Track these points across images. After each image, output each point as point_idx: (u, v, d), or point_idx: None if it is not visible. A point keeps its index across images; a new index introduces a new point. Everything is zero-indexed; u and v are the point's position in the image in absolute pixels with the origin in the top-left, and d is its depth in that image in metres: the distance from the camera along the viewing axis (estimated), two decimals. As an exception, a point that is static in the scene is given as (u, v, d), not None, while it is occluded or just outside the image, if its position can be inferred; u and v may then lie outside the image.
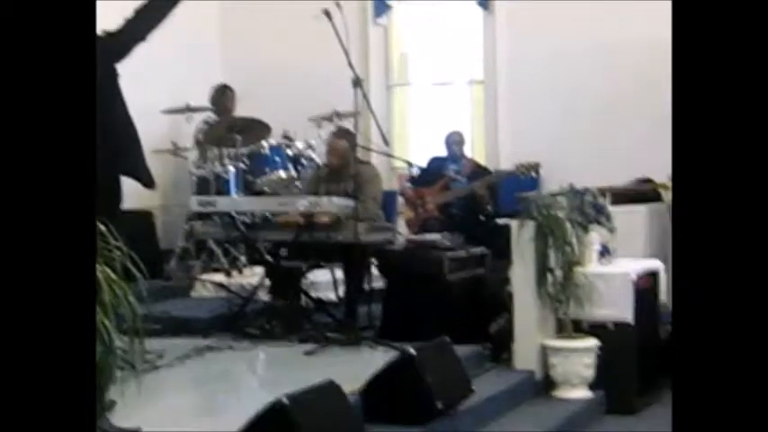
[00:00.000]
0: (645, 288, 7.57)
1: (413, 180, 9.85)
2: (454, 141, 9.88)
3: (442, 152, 10.01)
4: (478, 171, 9.71)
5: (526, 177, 9.25)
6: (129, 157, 5.63)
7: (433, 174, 9.73)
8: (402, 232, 9.29)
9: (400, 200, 9.78)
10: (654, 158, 8.40)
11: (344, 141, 8.46)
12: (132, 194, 6.44)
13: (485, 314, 7.57)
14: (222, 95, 10.63)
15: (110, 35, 5.47)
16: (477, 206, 9.45)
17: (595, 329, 7.32)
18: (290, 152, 9.66)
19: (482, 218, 9.37)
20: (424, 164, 9.98)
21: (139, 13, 5.45)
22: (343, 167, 8.39)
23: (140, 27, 5.45)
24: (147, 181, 5.67)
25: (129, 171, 5.60)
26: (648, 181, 9.49)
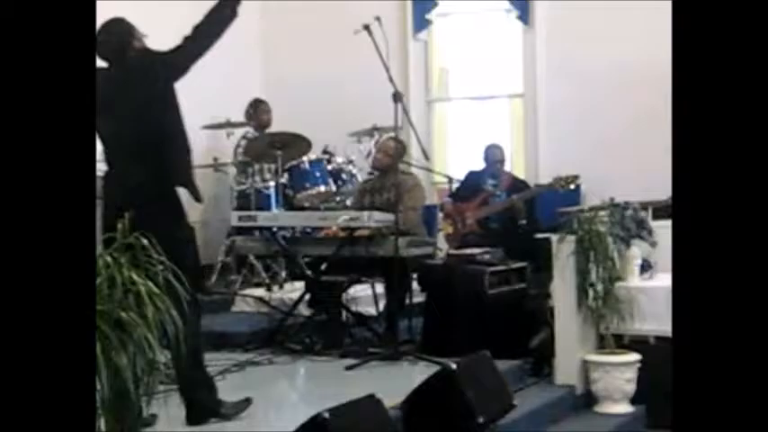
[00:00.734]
0: (686, 302, 7.52)
1: (451, 195, 9.83)
2: (493, 155, 9.82)
3: (481, 166, 9.97)
4: (517, 185, 9.68)
5: (565, 190, 9.21)
6: (184, 170, 5.68)
7: (470, 188, 9.70)
8: (442, 247, 9.29)
9: (440, 215, 9.77)
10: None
11: (394, 142, 8.49)
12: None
13: (525, 329, 7.54)
14: (256, 110, 10.66)
15: (171, 51, 5.54)
16: (514, 219, 9.42)
17: (637, 344, 7.29)
18: (330, 167, 9.67)
19: (523, 228, 9.33)
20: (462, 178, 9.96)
21: (198, 30, 5.51)
22: (389, 172, 8.40)
23: (198, 44, 5.52)
24: (197, 195, 5.72)
25: (183, 183, 5.65)
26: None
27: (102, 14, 4.17)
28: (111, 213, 5.29)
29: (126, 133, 5.52)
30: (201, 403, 5.56)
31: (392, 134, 9.02)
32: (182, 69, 5.54)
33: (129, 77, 5.53)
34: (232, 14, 5.56)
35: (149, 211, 5.09)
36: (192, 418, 5.51)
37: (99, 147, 5.27)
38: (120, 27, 5.61)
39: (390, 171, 8.39)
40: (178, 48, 5.57)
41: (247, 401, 5.74)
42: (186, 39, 5.55)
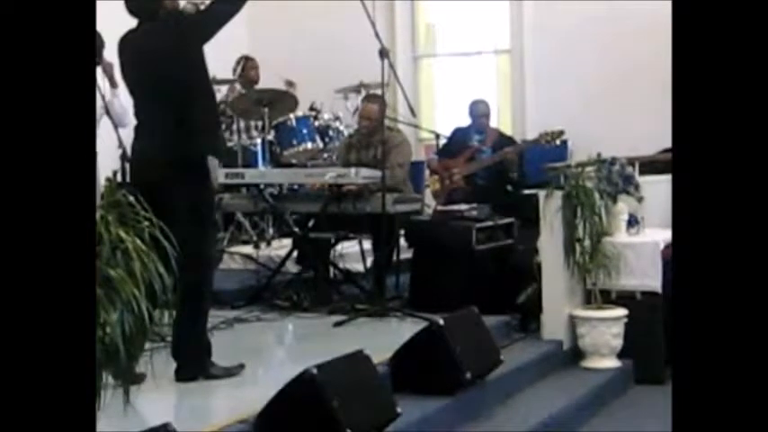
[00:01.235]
0: (673, 257, 7.54)
1: (438, 152, 9.81)
2: (479, 111, 9.77)
3: (467, 122, 9.95)
4: (503, 141, 9.64)
5: (551, 145, 9.20)
6: (209, 130, 5.74)
7: (457, 144, 9.67)
8: (429, 204, 9.29)
9: (427, 171, 9.76)
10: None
11: (375, 105, 8.49)
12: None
13: (513, 284, 7.56)
14: (244, 66, 10.62)
15: (200, 12, 5.58)
16: (505, 173, 9.39)
17: (624, 299, 7.31)
18: (317, 124, 9.65)
19: (509, 187, 9.33)
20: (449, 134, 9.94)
21: None
22: (374, 132, 8.40)
23: (226, 7, 5.56)
24: (220, 157, 5.84)
25: (210, 147, 5.71)
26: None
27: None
28: (139, 177, 5.43)
29: (154, 89, 5.58)
30: (192, 360, 5.58)
31: (371, 92, 9.03)
32: (209, 32, 5.55)
33: (159, 35, 5.54)
34: None
35: (176, 174, 5.24)
36: (181, 375, 5.53)
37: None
38: None
39: (376, 129, 8.39)
40: (207, 9, 5.59)
41: (241, 367, 5.75)
42: (214, 2, 5.57)
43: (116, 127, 6.63)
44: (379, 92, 7.82)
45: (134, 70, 5.66)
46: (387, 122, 8.30)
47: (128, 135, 6.51)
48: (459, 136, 9.76)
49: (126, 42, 5.66)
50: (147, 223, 3.63)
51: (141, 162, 5.62)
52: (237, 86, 10.53)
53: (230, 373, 5.67)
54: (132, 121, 6.14)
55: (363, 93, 10.12)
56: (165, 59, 5.49)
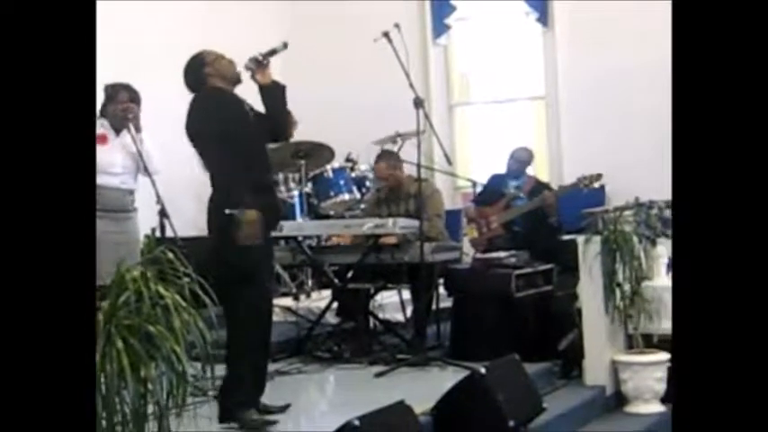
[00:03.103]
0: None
1: (474, 199, 9.80)
2: (521, 157, 9.76)
3: (503, 169, 9.93)
4: (539, 188, 9.62)
5: (589, 189, 9.18)
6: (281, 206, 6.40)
7: (493, 191, 9.66)
8: (468, 253, 9.28)
9: (464, 219, 9.76)
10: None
11: (383, 163, 8.56)
12: (198, 222, 6.50)
13: (554, 331, 7.54)
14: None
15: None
16: (544, 219, 9.36)
17: (666, 343, 7.25)
18: (353, 175, 9.68)
19: (548, 230, 9.28)
20: (486, 182, 9.92)
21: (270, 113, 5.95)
22: (398, 187, 8.43)
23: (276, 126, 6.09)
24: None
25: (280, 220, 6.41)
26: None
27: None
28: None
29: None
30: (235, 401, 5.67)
31: (383, 149, 9.10)
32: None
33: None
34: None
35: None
36: (223, 416, 5.63)
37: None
38: (195, 60, 6.00)
39: (401, 183, 8.42)
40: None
41: (287, 406, 5.96)
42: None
43: (151, 176, 6.67)
44: (415, 141, 7.82)
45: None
46: (417, 173, 8.24)
47: (164, 191, 6.58)
48: (495, 183, 9.75)
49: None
50: (187, 279, 3.65)
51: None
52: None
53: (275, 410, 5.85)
54: (161, 168, 6.32)
55: (400, 142, 10.13)
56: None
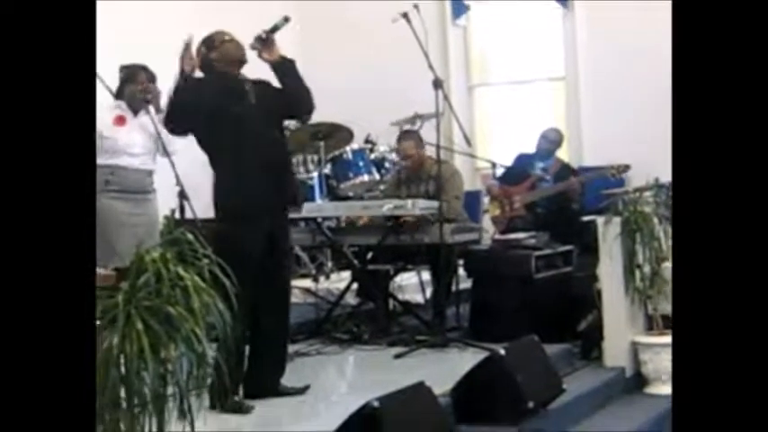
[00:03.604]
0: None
1: (499, 177, 9.76)
2: (551, 137, 9.73)
3: (525, 150, 9.90)
4: (565, 171, 9.59)
5: (617, 179, 9.18)
6: (290, 188, 6.17)
7: (519, 171, 9.63)
8: (488, 230, 9.27)
9: (485, 198, 9.73)
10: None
11: (410, 141, 8.51)
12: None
13: (573, 312, 7.53)
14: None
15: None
16: (567, 203, 9.35)
17: (686, 324, 7.24)
18: (372, 156, 9.67)
19: (569, 214, 9.25)
20: (506, 162, 9.89)
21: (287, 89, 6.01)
22: (420, 167, 8.41)
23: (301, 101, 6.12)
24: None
25: (290, 202, 6.21)
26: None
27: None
28: None
29: None
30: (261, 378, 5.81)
31: (405, 129, 9.08)
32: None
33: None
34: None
35: None
36: (249, 391, 5.75)
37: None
38: (204, 43, 6.03)
39: (423, 164, 8.40)
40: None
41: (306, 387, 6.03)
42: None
43: (170, 157, 6.66)
44: (434, 122, 7.80)
45: None
46: (436, 154, 8.23)
47: (184, 173, 6.57)
48: (522, 163, 9.73)
49: None
50: (206, 261, 3.66)
51: None
52: (293, 121, 10.56)
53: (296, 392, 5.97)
54: (179, 148, 6.35)
55: (419, 123, 10.11)
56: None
